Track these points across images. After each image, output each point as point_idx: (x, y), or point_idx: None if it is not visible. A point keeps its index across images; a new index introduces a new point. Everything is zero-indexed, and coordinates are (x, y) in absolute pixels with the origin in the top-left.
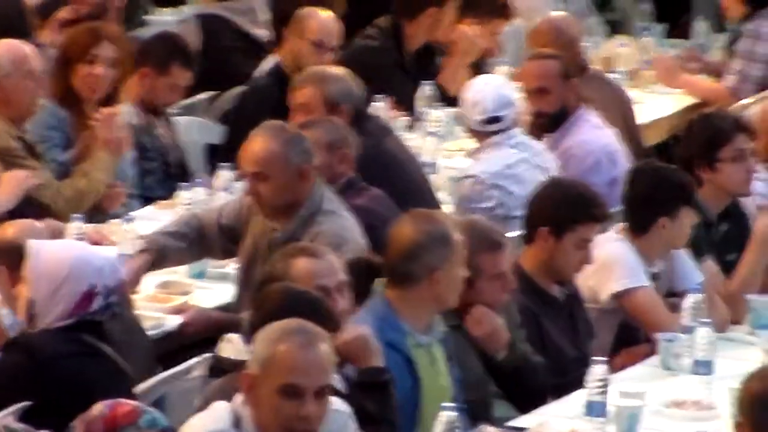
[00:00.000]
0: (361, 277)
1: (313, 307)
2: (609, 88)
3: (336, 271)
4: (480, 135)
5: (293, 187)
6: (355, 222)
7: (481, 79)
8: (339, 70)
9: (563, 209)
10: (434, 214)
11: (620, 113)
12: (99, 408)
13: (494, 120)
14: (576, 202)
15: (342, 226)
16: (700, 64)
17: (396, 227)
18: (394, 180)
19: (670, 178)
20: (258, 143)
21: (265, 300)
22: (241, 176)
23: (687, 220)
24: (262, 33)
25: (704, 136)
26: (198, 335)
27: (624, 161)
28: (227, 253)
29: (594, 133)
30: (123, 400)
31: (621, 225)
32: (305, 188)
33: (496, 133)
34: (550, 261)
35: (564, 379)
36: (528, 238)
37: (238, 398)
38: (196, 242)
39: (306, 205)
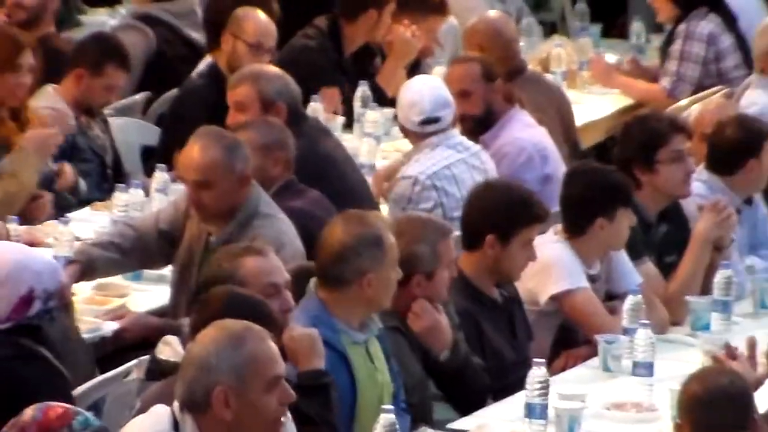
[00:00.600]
0: (303, 285)
1: (255, 310)
2: (547, 88)
3: (283, 269)
4: (417, 136)
5: (234, 194)
6: (291, 225)
7: (419, 80)
8: (275, 69)
9: (507, 216)
10: (366, 215)
11: (558, 114)
12: (30, 412)
13: (432, 121)
14: (518, 207)
15: (279, 229)
16: (638, 70)
17: (327, 229)
18: (332, 181)
19: (607, 178)
20: (198, 151)
21: (208, 303)
22: (181, 182)
23: (624, 221)
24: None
25: (642, 138)
26: (135, 340)
27: (556, 160)
28: (169, 258)
29: (526, 132)
30: (54, 403)
31: (559, 227)
32: (244, 193)
33: (433, 133)
34: (495, 265)
35: (504, 381)
36: (471, 245)
37: (177, 404)
38: (132, 253)
39: (243, 209)
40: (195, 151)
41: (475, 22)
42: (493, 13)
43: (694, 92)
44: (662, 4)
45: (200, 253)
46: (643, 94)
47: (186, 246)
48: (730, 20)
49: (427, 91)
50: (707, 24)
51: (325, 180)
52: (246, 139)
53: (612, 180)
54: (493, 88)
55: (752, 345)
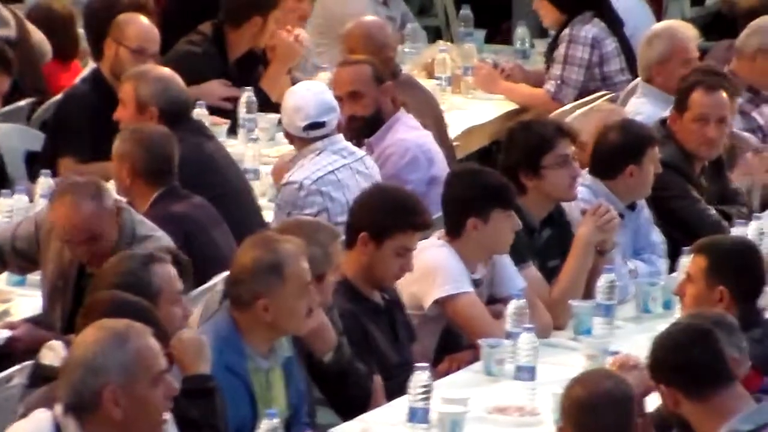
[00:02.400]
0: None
1: (142, 315)
2: (421, 93)
3: None
4: (302, 141)
5: (110, 234)
6: (169, 239)
7: (303, 85)
8: (161, 72)
9: (383, 216)
10: (275, 241)
11: (433, 118)
12: None
13: (317, 126)
14: (396, 210)
15: (159, 248)
16: (521, 74)
17: (239, 248)
18: (215, 186)
19: (482, 179)
20: (72, 211)
21: (93, 308)
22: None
23: (502, 223)
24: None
25: (527, 144)
26: (25, 350)
27: (442, 162)
28: (24, 270)
29: (411, 133)
30: None
31: (443, 230)
32: (116, 227)
33: (318, 138)
34: (369, 267)
35: (387, 384)
36: (349, 243)
37: (59, 408)
38: None
39: (120, 241)
40: (68, 213)
41: (351, 27)
42: (368, 18)
43: (578, 96)
44: (547, 9)
45: (74, 278)
46: (527, 98)
47: (56, 270)
48: (614, 25)
49: (311, 96)
50: (591, 28)
51: (207, 185)
52: (115, 147)
53: (486, 181)
54: (383, 90)
55: None
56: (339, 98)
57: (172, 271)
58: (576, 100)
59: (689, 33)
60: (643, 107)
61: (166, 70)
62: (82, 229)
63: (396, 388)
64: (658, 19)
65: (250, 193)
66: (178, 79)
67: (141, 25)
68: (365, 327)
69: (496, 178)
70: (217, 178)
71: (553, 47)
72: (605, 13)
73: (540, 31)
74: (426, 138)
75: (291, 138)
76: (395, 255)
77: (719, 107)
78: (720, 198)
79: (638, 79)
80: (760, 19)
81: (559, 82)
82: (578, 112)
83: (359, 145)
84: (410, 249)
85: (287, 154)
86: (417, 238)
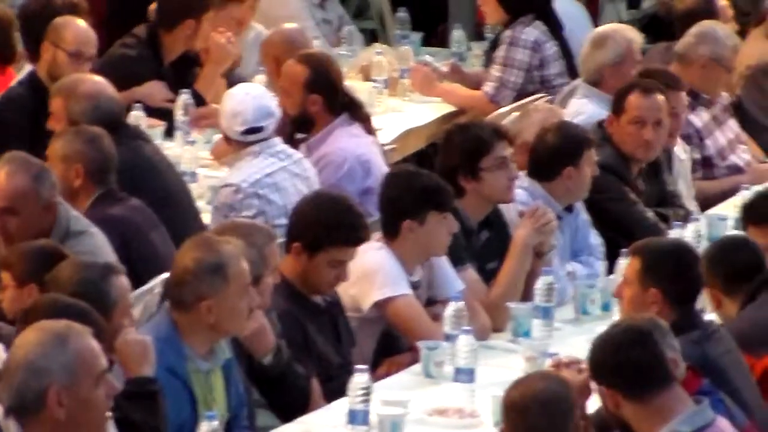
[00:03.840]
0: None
1: (82, 316)
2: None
3: None
4: (240, 144)
5: (40, 221)
6: (104, 238)
7: (241, 89)
8: (91, 86)
9: (316, 230)
10: (216, 242)
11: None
12: None
13: (255, 130)
14: (329, 225)
15: (93, 245)
16: (459, 76)
17: (179, 250)
18: (152, 189)
19: (417, 181)
20: (5, 177)
21: (34, 311)
22: None
23: (438, 226)
24: None
25: (465, 146)
26: None
27: (380, 172)
28: None
29: (351, 142)
30: None
31: (381, 233)
32: (50, 219)
33: (256, 142)
34: (304, 274)
35: (328, 386)
36: (287, 248)
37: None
38: None
39: (54, 233)
40: (1, 177)
41: (271, 34)
42: (288, 25)
43: (516, 99)
44: (491, 8)
45: None
46: (464, 100)
47: None
48: (555, 28)
49: (250, 100)
50: (533, 31)
51: (145, 188)
52: (59, 148)
53: (422, 183)
54: (311, 100)
55: None
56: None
57: (127, 283)
58: (514, 102)
59: (636, 36)
60: (585, 107)
61: (96, 83)
62: (3, 196)
63: (336, 389)
64: (594, 21)
65: (187, 196)
66: (109, 90)
67: (78, 29)
68: (305, 328)
69: (432, 180)
70: (155, 181)
71: (493, 48)
72: (547, 16)
73: (476, 34)
74: (366, 147)
75: (228, 141)
76: (329, 266)
77: (656, 110)
78: (658, 200)
79: (577, 81)
80: (704, 26)
81: (497, 84)
82: (515, 114)
83: (293, 139)
84: (344, 261)
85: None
86: (352, 251)
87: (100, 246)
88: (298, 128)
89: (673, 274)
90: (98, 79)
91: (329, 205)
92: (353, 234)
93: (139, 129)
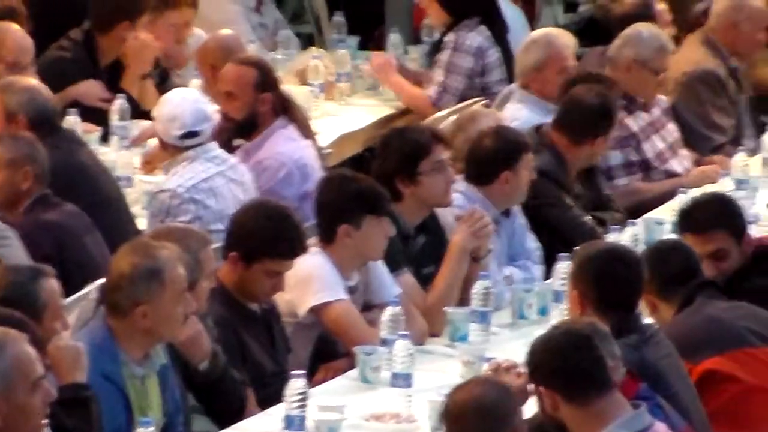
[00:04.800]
0: None
1: (16, 324)
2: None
3: None
4: (176, 149)
5: None
6: (20, 245)
7: (178, 93)
8: (27, 82)
9: (252, 240)
10: (153, 247)
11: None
12: None
13: (193, 135)
14: (265, 238)
15: (10, 255)
16: (403, 72)
17: (114, 255)
18: (87, 193)
19: (353, 186)
20: None
21: None
22: None
23: (375, 230)
24: None
25: (403, 150)
26: None
27: (317, 176)
28: None
29: (288, 146)
30: None
31: (317, 238)
32: None
33: (192, 147)
34: (240, 283)
35: (264, 392)
36: (223, 256)
37: None
38: None
39: None
40: None
41: (206, 41)
42: (224, 31)
43: (458, 103)
44: (435, 10)
45: None
46: (410, 99)
47: None
48: (499, 33)
49: (187, 105)
50: (476, 36)
51: (80, 192)
52: (1, 154)
53: (357, 187)
54: (262, 99)
55: None
56: (219, 95)
57: (56, 285)
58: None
59: (566, 40)
60: (520, 113)
61: (33, 81)
62: None
63: (272, 396)
64: (531, 25)
65: (122, 201)
66: (45, 89)
67: (16, 38)
68: (240, 335)
69: (368, 185)
70: (90, 185)
71: (434, 50)
72: (492, 20)
73: (414, 38)
74: (304, 151)
75: (164, 145)
76: (265, 276)
77: None
78: (594, 204)
79: (513, 85)
80: (632, 28)
81: (440, 89)
82: (453, 118)
83: (229, 146)
84: (280, 272)
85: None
86: (289, 264)
87: (15, 257)
88: (241, 132)
89: (598, 278)
90: (34, 80)
91: (267, 217)
92: (290, 247)
93: (74, 133)
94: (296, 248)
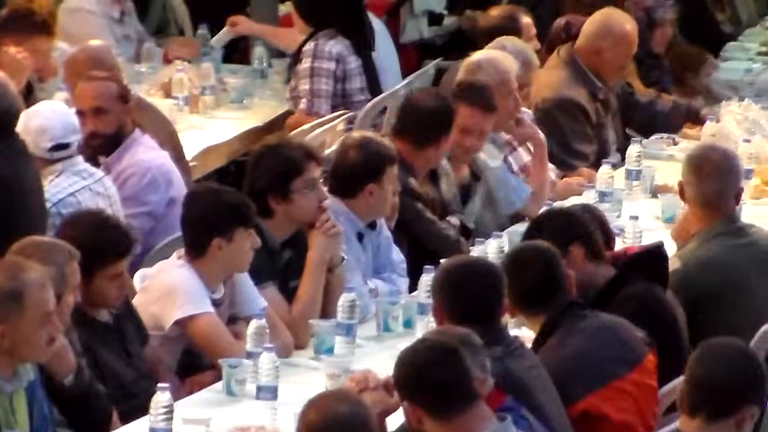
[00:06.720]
0: None
1: None
2: (154, 113)
3: None
4: (44, 162)
5: None
6: None
7: (47, 105)
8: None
9: (84, 254)
10: (20, 268)
11: (168, 138)
12: None
13: (63, 146)
14: (93, 248)
15: None
16: None
17: None
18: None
19: (224, 199)
20: None
21: None
22: None
23: (244, 242)
24: None
25: (276, 168)
26: None
27: (179, 183)
28: None
29: (150, 154)
30: None
31: (182, 250)
32: None
33: (59, 160)
34: (88, 296)
35: (128, 403)
36: None
37: None
38: None
39: None
40: None
41: (75, 52)
42: (93, 42)
43: (331, 106)
44: (297, 21)
45: None
46: (283, 37)
47: None
48: (360, 43)
49: (56, 117)
50: (336, 44)
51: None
52: None
53: (229, 200)
54: (126, 110)
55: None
56: (81, 113)
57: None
58: (331, 109)
59: (509, 63)
60: None
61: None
62: None
63: (136, 406)
64: (395, 38)
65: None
66: (12, 92)
67: None
68: (93, 350)
69: (238, 197)
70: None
71: (295, 62)
72: (352, 30)
73: (277, 51)
74: (164, 159)
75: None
76: (108, 281)
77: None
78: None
79: (381, 99)
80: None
81: (309, 96)
82: (318, 130)
83: (95, 163)
84: (121, 272)
85: None
86: (124, 262)
87: None
88: (112, 146)
89: (451, 290)
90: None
91: (86, 228)
92: (117, 248)
93: (24, 144)
94: (122, 246)
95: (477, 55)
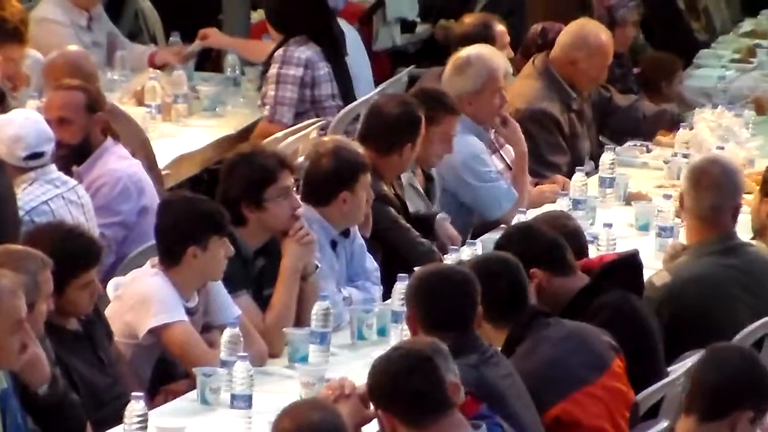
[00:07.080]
0: None
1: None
2: (127, 121)
3: None
4: (17, 171)
5: None
6: None
7: (21, 113)
8: None
9: (58, 260)
10: None
11: (140, 146)
12: None
13: (37, 155)
14: (63, 260)
15: None
16: None
17: None
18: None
19: (198, 207)
20: None
21: None
22: None
23: (219, 250)
24: None
25: (250, 177)
26: None
27: (152, 192)
28: None
29: (122, 163)
30: None
31: (156, 259)
32: None
33: (33, 168)
34: (60, 307)
35: (102, 411)
36: None
37: None
38: None
39: None
40: None
41: (54, 57)
42: (72, 48)
43: (295, 113)
44: (269, 26)
45: None
46: (252, 50)
47: None
48: (331, 50)
49: (31, 125)
50: (306, 50)
51: None
52: None
53: (203, 208)
54: (94, 120)
55: None
56: (48, 122)
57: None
58: (293, 117)
59: (498, 60)
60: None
61: None
62: None
63: (110, 415)
64: (368, 45)
65: (15, 237)
66: None
67: None
68: (64, 361)
69: (211, 206)
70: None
71: (266, 68)
72: (323, 37)
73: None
74: (136, 167)
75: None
76: (80, 291)
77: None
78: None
79: (354, 106)
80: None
81: (273, 103)
82: (291, 138)
83: (67, 172)
84: (92, 281)
85: None
86: (93, 271)
87: None
88: (79, 157)
89: (420, 299)
90: None
91: (52, 240)
92: (86, 258)
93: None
94: (91, 255)
95: (465, 51)
